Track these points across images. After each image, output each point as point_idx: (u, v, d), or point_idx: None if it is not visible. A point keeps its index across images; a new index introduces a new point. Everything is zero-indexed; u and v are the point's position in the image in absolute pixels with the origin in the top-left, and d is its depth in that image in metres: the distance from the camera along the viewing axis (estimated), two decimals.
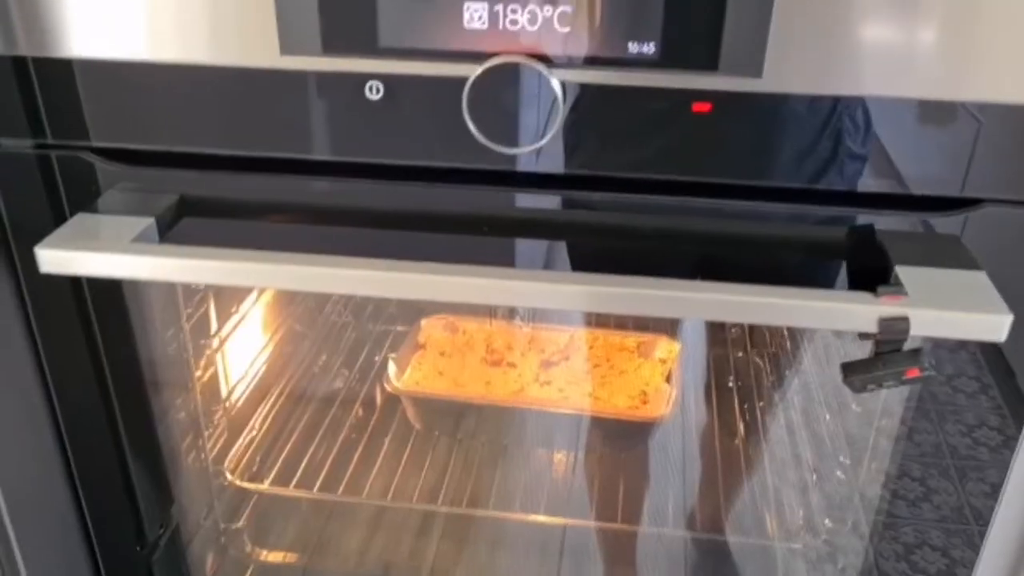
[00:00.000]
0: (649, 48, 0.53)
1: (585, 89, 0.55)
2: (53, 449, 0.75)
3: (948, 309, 0.53)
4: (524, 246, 0.64)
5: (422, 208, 0.61)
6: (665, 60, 0.53)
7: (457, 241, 0.63)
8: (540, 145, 0.55)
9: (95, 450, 0.76)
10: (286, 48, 0.55)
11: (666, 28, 0.52)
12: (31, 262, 0.60)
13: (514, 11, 0.53)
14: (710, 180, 0.58)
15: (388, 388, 0.91)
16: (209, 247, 0.58)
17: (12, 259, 0.65)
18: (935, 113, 0.55)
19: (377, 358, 1.05)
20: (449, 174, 0.59)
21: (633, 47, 0.53)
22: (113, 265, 0.58)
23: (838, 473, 0.86)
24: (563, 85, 0.54)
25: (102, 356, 0.71)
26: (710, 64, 0.53)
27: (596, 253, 0.64)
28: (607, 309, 0.58)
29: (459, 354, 0.97)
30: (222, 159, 0.61)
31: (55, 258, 0.58)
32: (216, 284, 0.82)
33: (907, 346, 0.55)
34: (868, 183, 0.58)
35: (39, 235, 0.61)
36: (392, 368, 0.93)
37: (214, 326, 0.84)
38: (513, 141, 0.56)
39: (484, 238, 0.63)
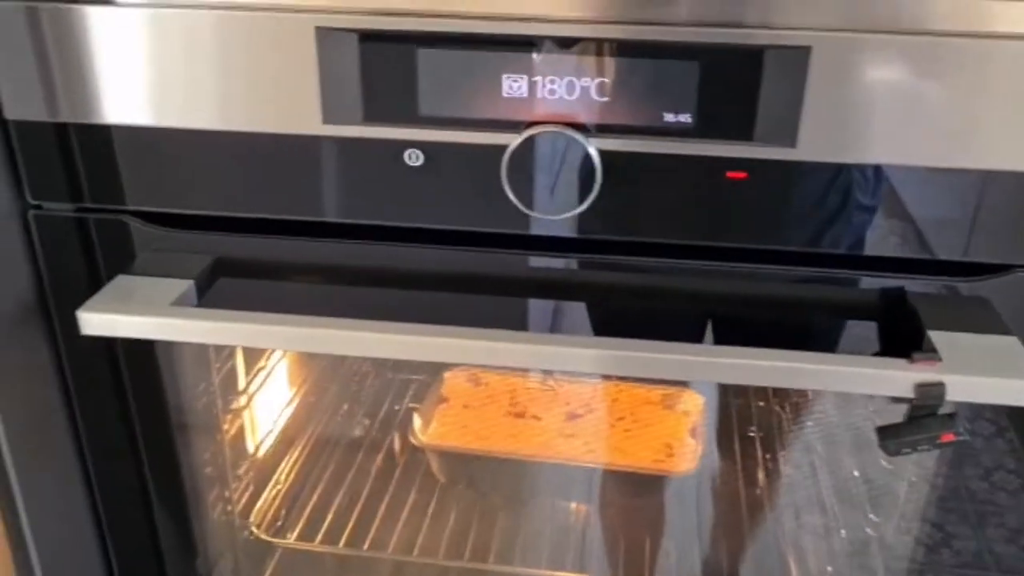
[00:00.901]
0: (685, 118, 0.54)
1: (621, 157, 0.55)
2: (83, 502, 0.75)
3: (983, 375, 0.54)
4: (557, 307, 0.65)
5: (457, 271, 0.62)
6: (701, 130, 0.54)
7: (491, 303, 0.64)
8: (577, 212, 0.56)
9: (124, 503, 0.76)
10: (328, 117, 0.56)
11: (702, 99, 0.53)
12: (69, 322, 0.60)
13: (552, 81, 0.54)
14: (744, 245, 0.58)
15: (413, 441, 0.92)
16: (249, 311, 0.59)
17: (51, 319, 0.66)
18: (965, 181, 0.56)
19: (398, 406, 1.05)
20: (486, 239, 0.60)
21: (669, 117, 0.54)
22: (154, 328, 0.59)
23: (861, 521, 0.86)
24: (600, 153, 0.55)
25: (132, 411, 0.72)
26: (745, 134, 0.54)
27: (626, 315, 0.65)
28: (640, 374, 0.59)
29: (483, 407, 0.97)
30: (259, 222, 0.62)
31: (97, 321, 0.59)
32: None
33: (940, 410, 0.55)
34: (899, 248, 0.58)
35: (76, 296, 0.62)
36: (417, 421, 0.93)
37: (242, 380, 0.84)
38: (550, 208, 0.57)
39: (517, 300, 0.63)
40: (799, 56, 0.52)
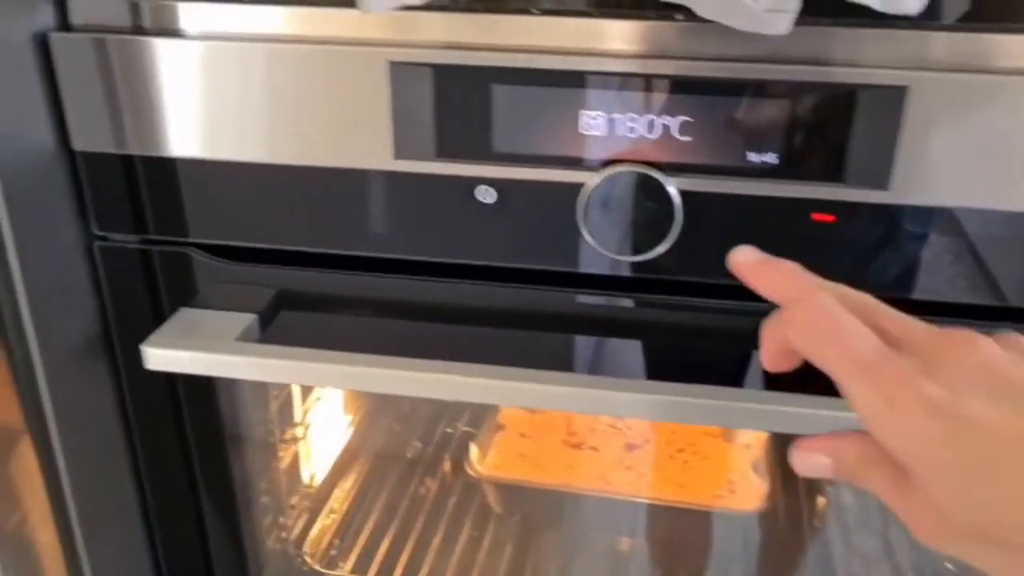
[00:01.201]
0: (770, 158, 0.52)
1: (702, 197, 0.53)
2: (140, 530, 0.74)
3: None
4: (629, 348, 0.63)
5: (524, 310, 0.60)
6: (787, 170, 0.52)
7: (552, 341, 0.62)
8: (656, 253, 0.54)
9: (179, 531, 0.75)
10: (400, 152, 0.55)
11: (788, 139, 0.51)
12: (132, 354, 0.60)
13: (632, 119, 0.52)
14: None
15: (470, 472, 0.90)
16: (314, 350, 0.57)
17: (113, 350, 0.66)
18: None
19: (451, 429, 1.04)
20: (555, 277, 0.58)
21: (753, 156, 0.52)
22: (219, 366, 0.58)
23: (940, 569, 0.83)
24: (680, 193, 0.53)
25: (190, 440, 0.71)
26: (834, 176, 0.52)
27: (688, 356, 0.63)
28: (719, 424, 0.57)
29: (539, 436, 0.95)
30: (324, 257, 0.61)
31: (161, 356, 0.58)
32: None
33: None
34: (991, 296, 0.56)
35: (139, 327, 0.62)
36: (474, 451, 0.91)
37: (299, 409, 0.83)
38: (626, 248, 0.55)
39: (588, 341, 0.62)
40: (895, 96, 0.49)
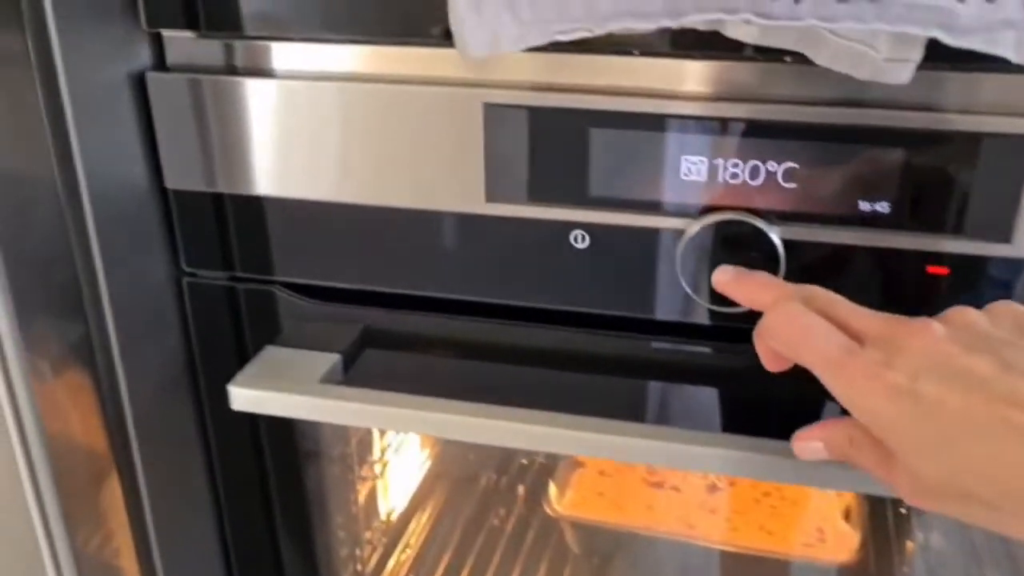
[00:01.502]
0: (883, 207, 0.49)
1: (808, 247, 0.51)
2: (219, 566, 0.74)
3: None
4: (716, 399, 0.60)
5: (619, 358, 0.58)
6: (900, 220, 0.49)
7: (643, 389, 0.60)
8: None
9: (258, 567, 0.75)
10: (492, 195, 0.53)
11: (903, 188, 0.48)
12: (217, 390, 0.59)
13: (735, 165, 0.50)
14: None
15: (548, 511, 0.88)
16: (398, 394, 0.56)
17: (198, 386, 0.66)
18: None
19: (526, 460, 1.02)
20: (652, 326, 0.56)
21: (864, 205, 0.49)
22: (304, 408, 0.57)
23: None
24: (784, 243, 0.51)
25: (270, 475, 0.70)
26: (952, 227, 0.49)
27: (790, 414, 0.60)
28: (806, 483, 0.54)
29: (619, 473, 0.93)
30: (409, 298, 0.60)
31: (247, 396, 0.58)
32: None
33: None
34: None
35: (224, 364, 0.62)
36: (552, 489, 0.90)
37: (378, 445, 0.83)
38: (726, 299, 0.52)
39: (681, 391, 0.59)
40: (1021, 146, 0.46)
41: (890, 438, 0.39)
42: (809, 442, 0.45)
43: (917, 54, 0.41)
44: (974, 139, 0.46)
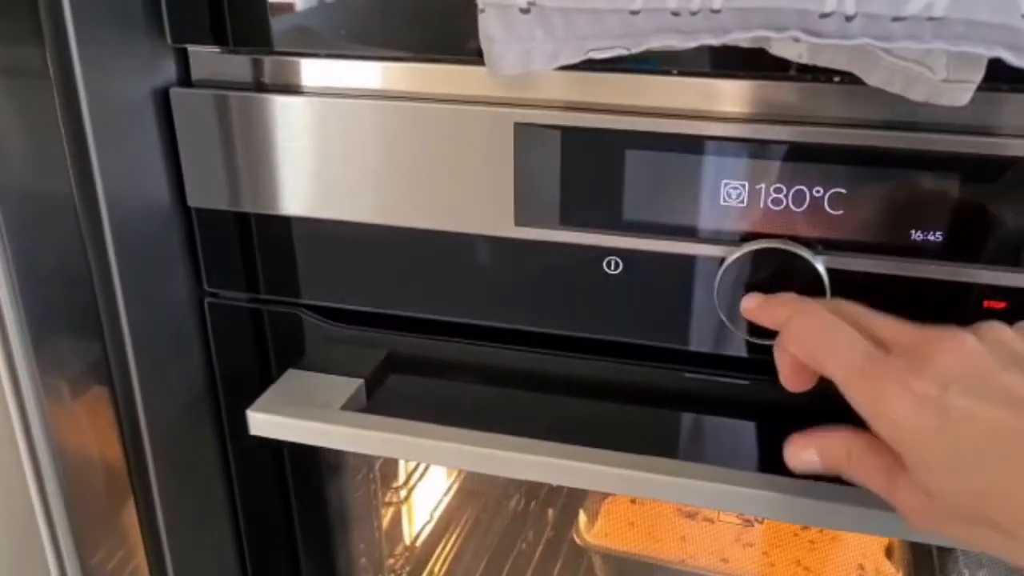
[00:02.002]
0: (936, 237, 0.46)
1: (855, 277, 0.48)
2: None
3: None
4: (752, 433, 0.57)
5: (652, 389, 0.56)
6: (954, 251, 0.46)
7: (686, 424, 0.57)
8: None
9: None
10: (522, 219, 0.51)
11: (958, 216, 0.46)
12: (238, 413, 0.58)
13: (778, 190, 0.47)
14: None
15: (578, 541, 0.85)
16: (422, 423, 0.54)
17: (219, 408, 0.64)
18: None
19: (554, 484, 0.99)
20: (687, 357, 0.53)
21: (917, 235, 0.47)
22: (323, 435, 0.55)
23: None
24: (829, 272, 0.48)
25: (292, 500, 0.69)
26: (1011, 259, 0.46)
27: None
28: (840, 528, 0.51)
29: (651, 503, 0.90)
30: (436, 323, 0.58)
31: (266, 422, 0.56)
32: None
33: None
34: None
35: (246, 386, 0.60)
36: (582, 517, 0.87)
37: (403, 468, 0.80)
38: (765, 330, 0.50)
39: (717, 425, 0.57)
40: None
41: (909, 451, 0.37)
42: (803, 451, 0.43)
43: (978, 75, 0.39)
44: None
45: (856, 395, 0.38)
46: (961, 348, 0.38)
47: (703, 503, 0.52)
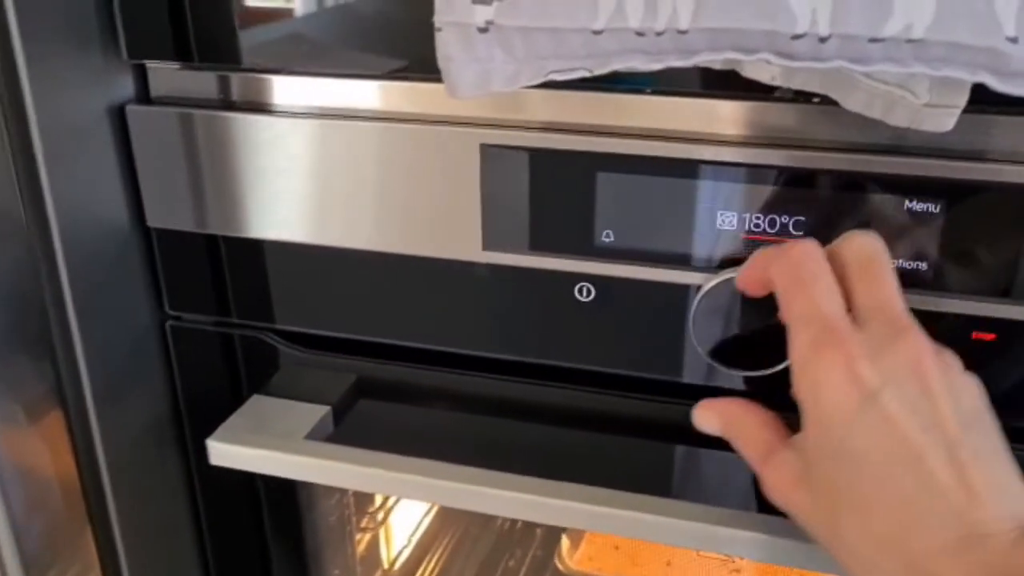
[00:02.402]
0: (922, 266, 0.44)
1: None
2: None
3: None
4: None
5: (627, 418, 0.54)
6: (942, 281, 0.44)
7: (662, 456, 0.55)
8: (776, 369, 0.47)
9: None
10: (489, 243, 0.49)
11: (945, 246, 0.43)
12: (202, 439, 0.55)
13: (758, 216, 0.45)
14: None
15: (560, 567, 0.83)
16: (388, 454, 0.52)
17: (183, 434, 0.62)
18: None
19: None
20: (664, 386, 0.51)
21: (904, 265, 0.44)
22: (285, 466, 0.53)
23: None
24: None
25: (266, 527, 0.66)
26: (1001, 290, 0.44)
27: None
28: None
29: None
30: (407, 350, 0.55)
31: (226, 452, 0.54)
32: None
33: None
34: None
35: (212, 415, 0.58)
36: (565, 543, 0.85)
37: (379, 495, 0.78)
38: (743, 360, 0.47)
39: (695, 457, 0.54)
40: None
41: (812, 417, 0.38)
42: (708, 414, 0.45)
43: (962, 99, 0.36)
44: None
45: (799, 341, 0.39)
46: (919, 357, 0.37)
47: (685, 543, 0.49)
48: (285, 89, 0.51)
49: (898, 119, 0.37)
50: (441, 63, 0.39)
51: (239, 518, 0.66)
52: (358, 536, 0.78)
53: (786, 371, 0.46)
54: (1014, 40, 0.33)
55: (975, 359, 0.45)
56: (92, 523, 0.58)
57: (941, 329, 0.45)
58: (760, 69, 0.37)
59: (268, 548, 0.68)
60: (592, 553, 0.86)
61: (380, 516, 0.79)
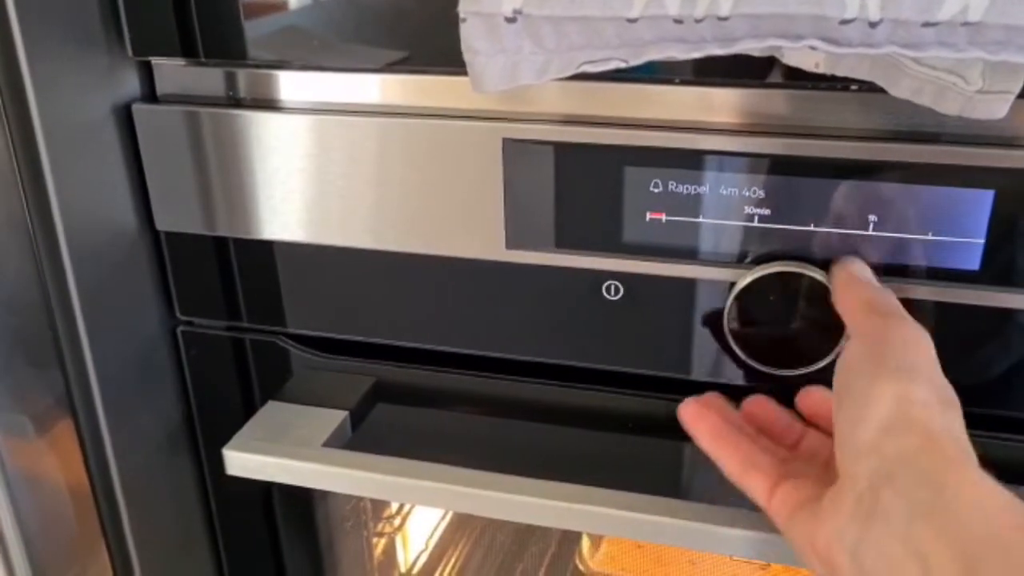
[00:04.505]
0: (971, 258, 0.42)
1: None
2: None
3: None
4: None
5: (656, 421, 0.52)
6: (990, 275, 0.42)
7: (692, 460, 0.53)
8: (815, 368, 0.45)
9: None
10: (513, 241, 0.47)
11: (993, 237, 0.41)
12: (216, 446, 0.54)
13: (793, 209, 0.43)
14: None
15: (581, 567, 0.81)
16: (408, 460, 0.50)
17: (196, 440, 0.60)
18: None
19: None
20: (695, 387, 0.49)
21: (948, 256, 0.42)
22: (304, 475, 0.51)
23: None
24: None
25: (281, 535, 0.65)
26: None
27: None
28: None
29: None
30: (424, 352, 0.54)
31: (243, 461, 0.52)
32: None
33: None
34: None
35: (226, 422, 0.56)
36: (585, 543, 0.83)
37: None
38: (779, 360, 0.46)
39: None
40: None
41: (847, 408, 0.36)
42: (693, 415, 0.43)
43: (1017, 84, 0.34)
44: None
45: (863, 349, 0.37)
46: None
47: (714, 548, 0.48)
48: (295, 85, 0.49)
49: (949, 107, 0.35)
50: (466, 55, 0.37)
51: (254, 526, 0.64)
52: (375, 541, 0.76)
53: (828, 367, 0.44)
54: None
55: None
56: (105, 534, 0.56)
57: (985, 324, 0.44)
58: (803, 56, 0.35)
59: (283, 556, 0.66)
60: (614, 553, 0.84)
61: (397, 521, 0.77)
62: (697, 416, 0.43)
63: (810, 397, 0.44)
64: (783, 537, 0.39)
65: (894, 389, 0.35)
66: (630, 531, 0.48)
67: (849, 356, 0.38)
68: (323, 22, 0.48)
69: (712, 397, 0.44)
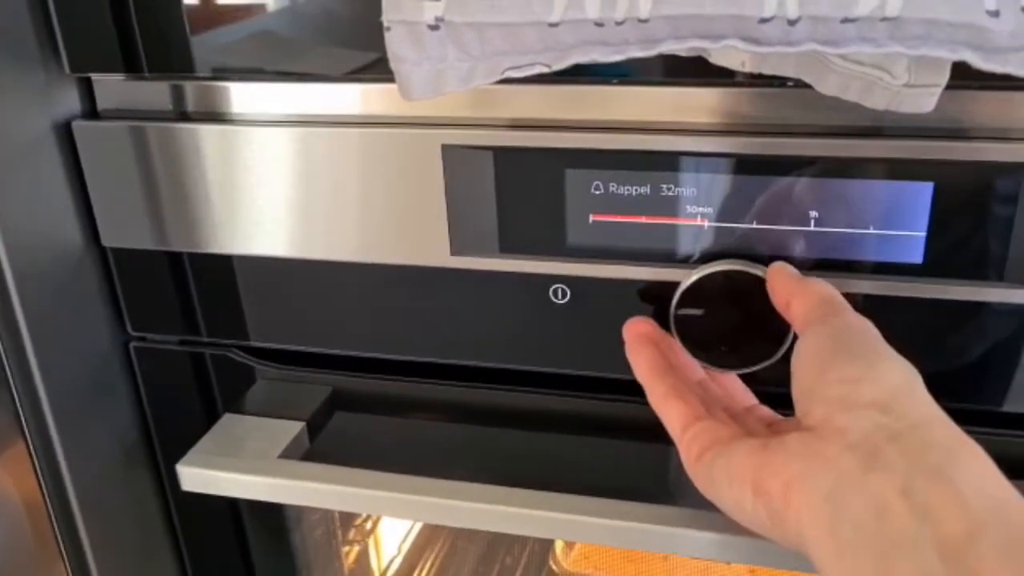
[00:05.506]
0: (912, 251, 0.42)
1: None
2: None
3: None
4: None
5: (607, 422, 0.52)
6: (931, 268, 0.42)
7: (644, 459, 0.53)
8: (763, 366, 0.45)
9: None
10: (457, 248, 0.47)
11: (934, 231, 0.41)
12: (174, 462, 0.53)
13: (736, 207, 0.43)
14: (973, 406, 0.46)
15: (554, 567, 0.81)
16: (365, 470, 0.50)
17: (155, 455, 0.60)
18: None
19: None
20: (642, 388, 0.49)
21: (890, 250, 0.42)
22: (260, 489, 0.51)
23: None
24: None
25: (251, 545, 0.64)
26: (987, 273, 0.42)
27: None
28: None
29: None
30: (380, 362, 0.53)
31: (197, 477, 0.52)
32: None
33: None
34: None
35: (184, 436, 0.55)
36: (559, 543, 0.83)
37: None
38: (728, 359, 0.45)
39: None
40: None
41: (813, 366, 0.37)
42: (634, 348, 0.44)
43: (942, 78, 0.34)
44: (1014, 170, 0.39)
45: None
46: None
47: (677, 550, 0.47)
48: (240, 96, 0.49)
49: (876, 101, 0.35)
50: (392, 64, 0.37)
51: (220, 539, 0.64)
52: (346, 549, 0.76)
53: (776, 365, 0.44)
54: (995, 14, 0.31)
55: (968, 346, 0.44)
56: (63, 554, 0.56)
57: (927, 316, 0.44)
58: (729, 55, 0.35)
59: (253, 568, 0.66)
60: (588, 551, 0.84)
61: (368, 527, 0.77)
62: (640, 338, 0.45)
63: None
64: (687, 473, 0.41)
65: (903, 365, 0.36)
66: (591, 536, 0.48)
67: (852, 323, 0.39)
68: (265, 32, 0.47)
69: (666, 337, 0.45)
